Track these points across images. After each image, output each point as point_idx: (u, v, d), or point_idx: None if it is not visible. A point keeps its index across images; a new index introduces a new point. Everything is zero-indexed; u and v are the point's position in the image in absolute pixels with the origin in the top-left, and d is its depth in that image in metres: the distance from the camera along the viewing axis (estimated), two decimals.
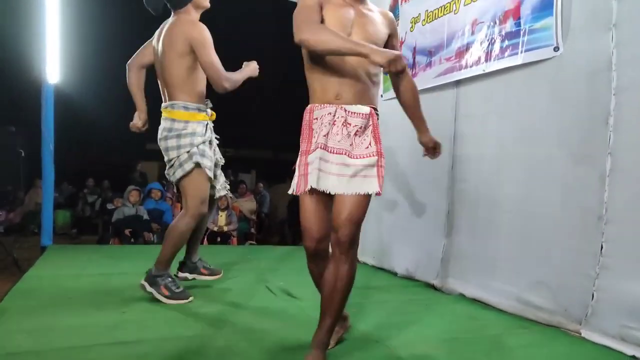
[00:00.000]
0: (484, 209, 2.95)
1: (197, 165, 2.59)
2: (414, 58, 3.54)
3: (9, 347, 1.86)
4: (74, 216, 9.64)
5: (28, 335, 2.00)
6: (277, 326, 2.31)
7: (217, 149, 2.78)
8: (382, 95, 4.03)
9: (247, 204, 8.10)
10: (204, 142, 2.63)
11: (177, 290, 2.61)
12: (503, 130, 2.85)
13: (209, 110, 2.71)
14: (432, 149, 2.29)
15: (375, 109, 1.87)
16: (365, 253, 4.27)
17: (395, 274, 3.75)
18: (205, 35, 2.55)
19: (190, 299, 2.62)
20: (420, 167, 3.54)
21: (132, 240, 5.82)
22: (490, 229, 2.91)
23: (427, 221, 3.46)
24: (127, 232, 5.77)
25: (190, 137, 2.60)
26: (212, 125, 2.74)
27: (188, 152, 2.59)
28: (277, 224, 10.11)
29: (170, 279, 2.64)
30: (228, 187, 2.96)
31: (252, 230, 8.03)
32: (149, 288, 2.59)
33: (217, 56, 2.54)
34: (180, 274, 2.89)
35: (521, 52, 2.63)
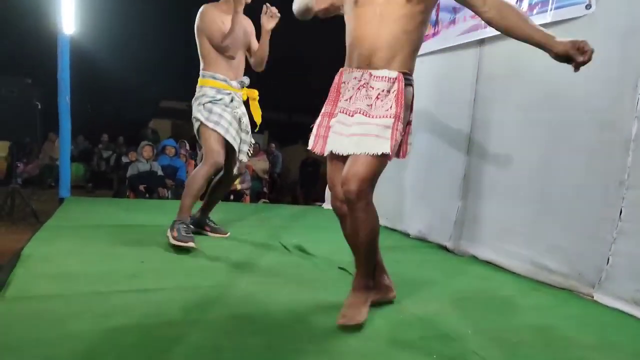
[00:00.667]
0: (502, 173, 2.92)
1: (200, 120, 2.91)
2: (437, 15, 3.43)
3: (33, 290, 1.92)
4: (89, 171, 9.77)
5: (51, 280, 2.05)
6: (291, 279, 2.36)
7: (241, 117, 3.02)
8: None
9: (260, 164, 8.13)
10: (211, 102, 2.92)
11: (184, 234, 2.73)
12: (527, 93, 2.77)
13: (233, 82, 2.98)
14: (577, 52, 1.60)
15: (407, 74, 1.82)
16: (379, 214, 4.28)
17: (407, 235, 3.77)
18: (199, 23, 2.93)
19: (191, 244, 2.69)
20: (438, 129, 3.50)
21: (147, 195, 5.90)
22: (507, 193, 2.89)
23: (442, 184, 3.44)
24: (141, 187, 5.84)
25: (200, 98, 2.94)
26: (238, 98, 3.02)
27: (198, 110, 2.94)
28: (289, 184, 10.17)
29: (184, 225, 2.79)
30: (246, 157, 3.14)
31: (265, 189, 8.10)
32: (167, 232, 2.79)
33: (215, 31, 2.88)
34: None
35: (550, 9, 2.53)
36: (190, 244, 2.68)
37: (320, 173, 9.08)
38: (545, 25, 2.58)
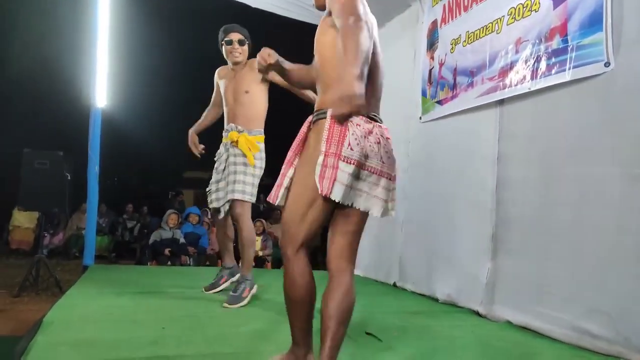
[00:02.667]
0: (532, 231, 2.83)
1: None
2: (455, 79, 3.51)
3: (53, 358, 1.87)
4: (113, 241, 9.86)
5: (71, 348, 2.00)
6: (317, 347, 2.24)
7: (227, 166, 3.21)
8: (420, 118, 4.01)
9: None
10: (216, 160, 3.32)
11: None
12: (551, 149, 2.74)
13: (224, 133, 3.28)
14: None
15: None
16: (405, 278, 4.16)
17: (436, 299, 3.62)
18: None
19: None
20: (462, 190, 3.46)
21: (169, 262, 5.89)
22: (539, 252, 2.78)
23: (470, 245, 3.34)
24: (166, 251, 5.84)
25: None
26: (228, 144, 3.22)
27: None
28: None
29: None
30: (219, 205, 3.25)
31: None
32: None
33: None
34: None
35: (569, 68, 2.56)
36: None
37: None
38: (564, 84, 2.63)
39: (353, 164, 1.60)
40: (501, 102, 3.11)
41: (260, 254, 6.41)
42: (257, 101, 3.23)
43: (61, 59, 8.12)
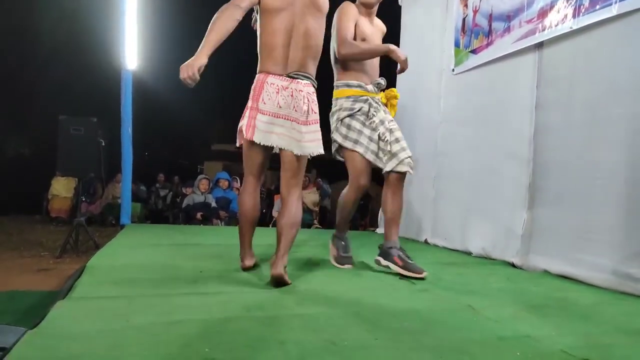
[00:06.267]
0: (573, 178, 2.73)
1: (337, 141, 2.68)
2: (490, 25, 3.38)
3: (98, 292, 1.94)
4: (147, 209, 10.11)
5: (114, 285, 2.07)
6: (353, 285, 2.26)
7: (382, 122, 2.62)
8: (453, 70, 3.89)
9: (310, 196, 8.14)
10: (349, 115, 2.63)
11: (342, 254, 2.81)
12: (595, 91, 2.62)
13: (369, 87, 2.66)
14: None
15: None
16: (437, 235, 4.12)
17: (470, 253, 3.58)
18: (334, 22, 2.69)
19: (347, 266, 2.77)
20: (497, 140, 3.37)
21: (201, 225, 6.01)
22: (580, 199, 2.69)
23: (504, 196, 3.27)
24: (198, 215, 5.96)
25: (337, 112, 2.68)
26: (377, 100, 2.69)
27: (335, 127, 2.69)
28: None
29: (342, 242, 2.85)
30: (408, 161, 2.60)
31: (315, 222, 8.07)
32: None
33: (343, 30, 2.60)
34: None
35: (615, 2, 2.42)
36: (347, 266, 2.76)
37: (370, 206, 8.96)
38: (610, 19, 2.49)
39: (266, 114, 2.22)
40: (540, 45, 2.98)
41: None
42: None
43: (93, 27, 8.20)
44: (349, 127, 2.63)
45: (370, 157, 2.60)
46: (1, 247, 5.27)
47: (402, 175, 2.61)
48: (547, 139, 2.94)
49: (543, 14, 2.88)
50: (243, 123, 2.28)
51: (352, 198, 2.69)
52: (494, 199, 3.39)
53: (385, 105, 2.75)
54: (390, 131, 2.61)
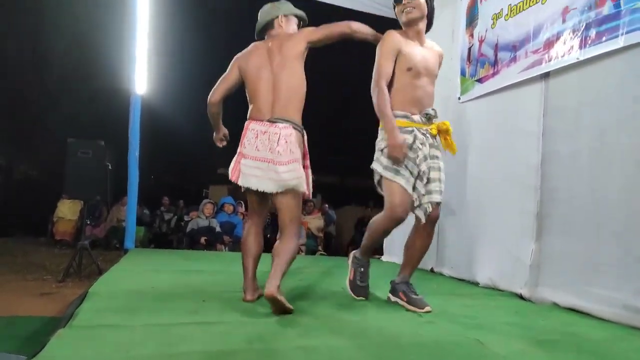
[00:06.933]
0: (582, 207, 2.70)
1: (377, 171, 2.52)
2: (496, 55, 3.40)
3: (98, 321, 1.91)
4: (151, 233, 10.09)
5: (115, 313, 2.04)
6: (357, 311, 2.22)
7: (425, 159, 2.48)
8: (459, 98, 3.91)
9: (315, 221, 8.10)
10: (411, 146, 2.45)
11: (359, 283, 2.67)
12: (602, 121, 2.61)
13: (415, 117, 2.50)
14: None
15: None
16: (443, 263, 4.07)
17: (477, 284, 3.52)
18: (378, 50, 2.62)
19: (361, 297, 2.65)
20: (504, 168, 3.36)
21: (205, 250, 5.97)
22: (588, 229, 2.65)
23: (512, 225, 3.22)
24: (202, 239, 5.93)
25: (379, 143, 2.55)
26: (424, 132, 2.51)
27: (376, 157, 2.55)
28: (342, 242, 10.08)
29: (361, 269, 2.69)
30: (439, 196, 2.52)
31: (320, 248, 8.01)
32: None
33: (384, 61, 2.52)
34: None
35: (622, 34, 2.42)
36: (360, 298, 2.64)
37: None
38: (616, 51, 2.49)
39: (248, 157, 2.39)
40: (546, 75, 2.99)
41: None
42: None
43: (103, 52, 8.37)
44: (390, 157, 2.44)
45: (409, 189, 2.43)
46: (5, 269, 5.25)
47: (430, 218, 2.52)
48: (554, 167, 2.91)
49: (549, 44, 2.90)
50: (231, 166, 2.47)
51: (385, 228, 2.52)
52: (501, 228, 3.34)
53: (435, 137, 2.57)
54: (430, 169, 2.49)
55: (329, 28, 2.56)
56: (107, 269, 5.18)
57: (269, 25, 2.63)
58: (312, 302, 2.50)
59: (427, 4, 2.56)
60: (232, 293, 2.56)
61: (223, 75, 2.59)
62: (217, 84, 2.59)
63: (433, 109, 2.55)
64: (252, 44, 2.64)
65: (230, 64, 2.60)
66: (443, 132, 2.59)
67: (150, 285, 2.72)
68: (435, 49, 2.67)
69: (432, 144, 2.54)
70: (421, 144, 2.46)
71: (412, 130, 2.46)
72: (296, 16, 2.67)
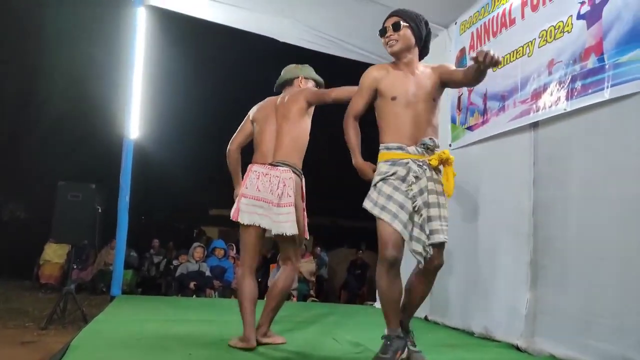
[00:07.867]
0: (576, 256, 2.68)
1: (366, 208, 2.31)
2: (485, 104, 3.47)
3: None
4: (139, 276, 9.87)
5: None
6: None
7: (421, 193, 2.24)
8: (450, 145, 3.95)
9: (307, 265, 7.98)
10: (382, 179, 2.26)
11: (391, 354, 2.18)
12: (592, 170, 2.62)
13: (411, 148, 2.28)
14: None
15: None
16: (437, 311, 3.99)
17: (472, 333, 3.44)
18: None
19: None
20: (496, 215, 3.36)
21: (194, 296, 5.84)
22: (584, 279, 2.62)
23: (506, 273, 3.19)
24: (192, 284, 5.82)
25: (374, 178, 2.33)
26: (421, 164, 2.27)
27: (368, 194, 2.33)
28: (335, 288, 9.92)
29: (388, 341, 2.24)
30: (443, 235, 2.26)
31: (312, 292, 7.88)
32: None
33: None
34: None
35: (607, 87, 2.49)
36: None
37: (368, 275, 8.80)
38: (602, 103, 2.55)
39: (248, 197, 2.64)
40: (535, 125, 3.04)
41: None
42: None
43: (98, 95, 8.48)
44: (379, 192, 2.25)
45: (397, 226, 2.18)
46: None
47: (432, 265, 2.27)
48: (547, 215, 2.92)
49: (537, 95, 2.97)
50: (233, 208, 2.70)
51: (381, 276, 2.22)
52: (495, 276, 3.31)
53: (436, 170, 2.33)
54: (429, 205, 2.24)
55: (322, 94, 2.82)
56: (92, 314, 5.05)
57: (288, 82, 2.95)
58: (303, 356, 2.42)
59: (419, 30, 2.38)
60: (219, 346, 2.49)
61: (240, 126, 2.94)
62: (235, 134, 2.93)
63: (431, 139, 2.31)
64: (267, 98, 2.94)
65: (247, 115, 2.94)
66: (444, 162, 2.32)
67: (136, 336, 2.63)
68: (428, 71, 2.42)
69: (431, 177, 2.28)
70: (415, 176, 2.23)
71: (407, 162, 2.25)
72: (314, 80, 2.97)
